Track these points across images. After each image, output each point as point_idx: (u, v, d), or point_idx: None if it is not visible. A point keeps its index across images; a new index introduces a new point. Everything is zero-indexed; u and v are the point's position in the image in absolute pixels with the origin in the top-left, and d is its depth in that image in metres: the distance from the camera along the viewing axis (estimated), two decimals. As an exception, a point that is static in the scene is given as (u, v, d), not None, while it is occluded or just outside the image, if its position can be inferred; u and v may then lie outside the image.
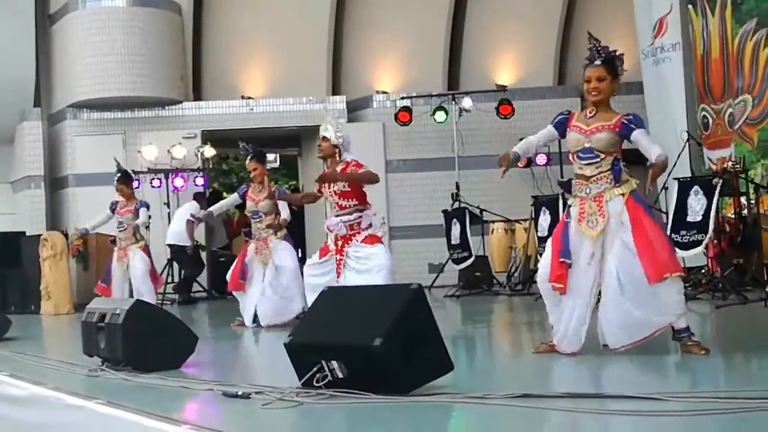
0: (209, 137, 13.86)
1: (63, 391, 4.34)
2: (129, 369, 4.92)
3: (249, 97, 14.40)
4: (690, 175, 9.95)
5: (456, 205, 11.90)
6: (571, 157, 5.00)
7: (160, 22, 13.87)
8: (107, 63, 13.38)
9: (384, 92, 14.43)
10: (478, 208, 11.88)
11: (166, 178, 13.32)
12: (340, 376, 3.84)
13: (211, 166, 14.67)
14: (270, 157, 17.71)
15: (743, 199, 9.13)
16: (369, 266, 6.38)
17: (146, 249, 9.52)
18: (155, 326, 5.10)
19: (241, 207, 16.00)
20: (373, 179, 6.70)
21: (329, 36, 14.65)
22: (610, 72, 4.87)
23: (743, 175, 8.72)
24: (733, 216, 9.15)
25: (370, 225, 6.64)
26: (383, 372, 3.76)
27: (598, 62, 4.88)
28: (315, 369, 3.88)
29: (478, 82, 14.42)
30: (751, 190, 8.90)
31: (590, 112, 4.93)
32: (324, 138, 7.03)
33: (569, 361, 4.79)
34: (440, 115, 13.33)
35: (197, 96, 14.60)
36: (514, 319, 8.46)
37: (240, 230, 15.29)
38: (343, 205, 6.63)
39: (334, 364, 3.85)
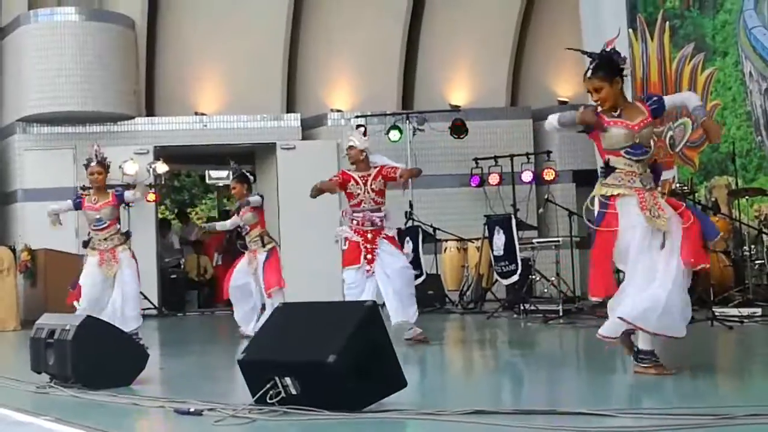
0: (162, 153, 13.75)
1: (10, 408, 4.27)
2: (78, 386, 4.85)
3: (202, 114, 14.33)
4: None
5: (409, 223, 11.95)
6: (614, 156, 4.81)
7: (113, 37, 13.76)
8: (59, 77, 13.22)
9: (339, 110, 14.46)
10: (431, 226, 11.94)
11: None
12: (294, 392, 3.83)
13: (163, 183, 14.55)
14: (222, 174, 17.65)
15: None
16: (399, 255, 7.58)
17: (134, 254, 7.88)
18: (105, 343, 5.04)
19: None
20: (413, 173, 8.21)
21: (284, 53, 14.66)
22: (606, 77, 4.82)
23: (691, 197, 8.89)
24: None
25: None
26: (337, 389, 3.76)
27: (590, 74, 4.87)
28: (268, 385, 3.87)
29: (432, 102, 14.53)
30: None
31: (614, 112, 4.83)
32: (350, 147, 7.87)
33: (521, 378, 4.83)
34: (394, 134, 13.39)
35: (150, 111, 14.49)
36: (466, 337, 8.51)
37: (214, 251, 15.34)
38: (378, 201, 7.60)
39: (288, 380, 3.84)
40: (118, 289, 7.47)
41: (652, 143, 4.87)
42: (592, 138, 4.94)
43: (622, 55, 4.98)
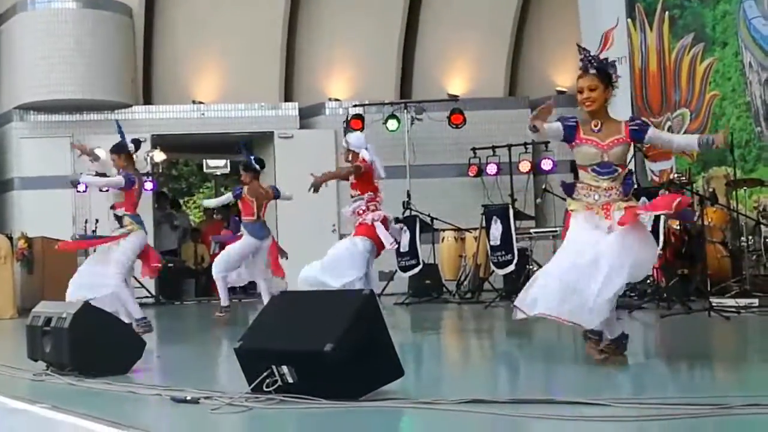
0: (159, 142, 13.73)
1: (7, 395, 4.27)
2: (75, 374, 4.84)
3: (200, 102, 14.31)
4: (636, 186, 10.11)
5: (407, 213, 11.94)
6: (582, 170, 4.91)
7: (110, 25, 13.72)
8: (56, 65, 13.19)
9: (336, 100, 14.44)
10: (428, 216, 11.93)
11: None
12: (290, 381, 3.83)
13: (160, 171, 14.52)
14: (220, 163, 17.63)
15: (688, 211, 9.31)
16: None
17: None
18: (102, 330, 5.03)
19: (212, 213, 16.05)
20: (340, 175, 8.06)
21: (282, 42, 14.63)
22: (603, 81, 4.83)
23: (689, 187, 8.89)
24: (678, 227, 9.32)
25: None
26: (333, 377, 3.76)
27: (592, 71, 4.85)
28: (265, 374, 3.86)
29: (430, 92, 14.50)
30: (696, 202, 9.07)
31: (595, 126, 4.87)
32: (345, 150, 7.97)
33: (518, 367, 4.83)
34: (392, 124, 13.37)
35: (147, 100, 14.46)
36: (463, 327, 8.51)
37: (210, 238, 15.32)
38: (351, 194, 7.76)
39: (285, 369, 3.83)
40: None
41: (623, 162, 4.89)
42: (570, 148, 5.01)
43: (617, 75, 4.99)
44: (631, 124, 4.85)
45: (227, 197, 9.43)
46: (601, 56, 4.97)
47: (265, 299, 8.70)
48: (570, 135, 4.91)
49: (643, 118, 5.00)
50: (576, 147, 4.91)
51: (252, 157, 9.55)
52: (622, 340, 4.80)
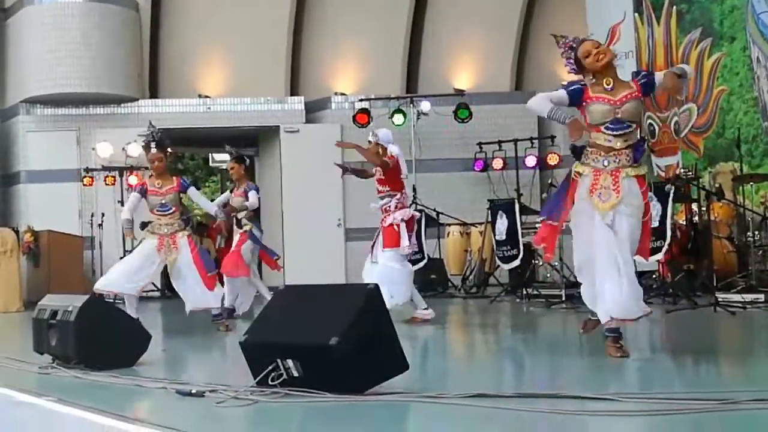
0: (165, 136, 13.72)
1: (13, 388, 4.28)
2: (80, 367, 4.85)
3: (206, 96, 14.31)
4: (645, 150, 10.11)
5: (412, 207, 11.91)
6: (594, 130, 4.86)
7: (116, 19, 13.73)
8: (62, 59, 13.20)
9: (342, 94, 14.43)
10: (434, 210, 11.92)
11: (121, 176, 13.18)
12: (296, 374, 3.83)
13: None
14: (226, 157, 17.61)
15: (694, 206, 9.29)
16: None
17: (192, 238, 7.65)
18: (108, 324, 5.04)
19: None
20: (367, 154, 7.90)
21: (288, 36, 14.63)
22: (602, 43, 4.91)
23: (695, 182, 8.86)
24: (684, 222, 9.29)
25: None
26: (339, 371, 3.76)
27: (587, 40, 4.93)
28: (270, 368, 3.87)
29: (437, 86, 14.49)
30: (703, 197, 9.06)
31: (607, 83, 4.85)
32: (369, 142, 8.02)
33: (523, 362, 4.83)
34: (398, 118, 13.36)
35: (153, 94, 14.47)
36: (468, 321, 8.51)
37: (217, 234, 15.32)
38: (380, 189, 7.80)
39: (290, 362, 3.84)
40: (186, 277, 7.38)
41: (637, 120, 4.89)
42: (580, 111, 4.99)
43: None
44: (640, 78, 4.85)
45: (226, 196, 9.27)
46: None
47: (267, 294, 8.73)
48: (576, 97, 4.89)
49: (644, 70, 4.96)
50: (587, 106, 4.87)
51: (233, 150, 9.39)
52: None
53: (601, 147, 4.82)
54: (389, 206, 7.64)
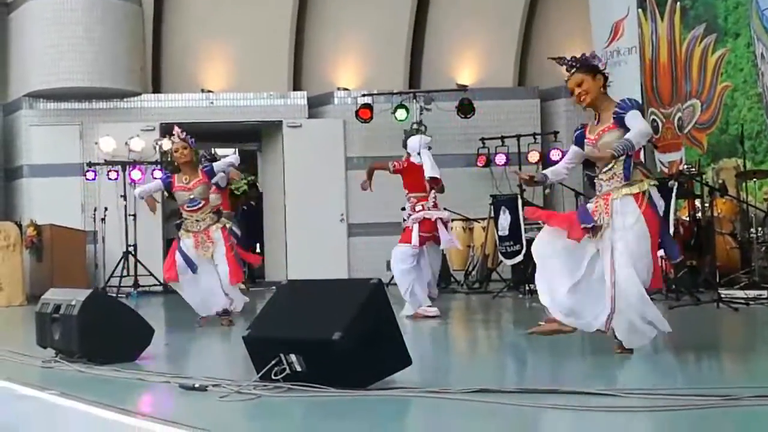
0: (168, 130, 13.72)
1: (16, 382, 4.28)
2: (83, 361, 4.86)
3: (209, 91, 14.31)
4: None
5: (434, 210, 11.90)
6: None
7: (119, 13, 13.72)
8: (65, 53, 13.20)
9: (345, 89, 14.42)
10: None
11: (124, 170, 13.18)
12: (299, 369, 3.83)
13: (169, 159, 14.52)
14: (229, 151, 17.62)
15: (697, 202, 9.28)
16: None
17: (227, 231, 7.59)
18: (111, 318, 5.04)
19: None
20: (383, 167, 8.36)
21: (291, 31, 14.61)
22: (588, 72, 4.83)
23: (699, 178, 8.85)
24: (687, 219, 9.29)
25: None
26: (341, 366, 3.76)
27: (572, 70, 4.87)
28: (273, 362, 3.87)
29: (439, 81, 14.47)
30: (706, 194, 9.05)
31: (595, 119, 4.90)
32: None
33: (526, 357, 4.83)
34: (401, 113, 13.35)
35: (156, 88, 14.47)
36: (470, 317, 8.51)
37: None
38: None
39: (293, 357, 3.84)
40: (215, 274, 7.34)
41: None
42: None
43: (602, 59, 5.00)
44: (615, 108, 4.77)
45: (157, 184, 7.83)
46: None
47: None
48: (581, 143, 4.97)
49: (632, 99, 4.80)
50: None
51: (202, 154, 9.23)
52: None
53: (600, 178, 4.86)
54: (412, 207, 8.08)
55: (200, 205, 7.37)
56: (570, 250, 4.76)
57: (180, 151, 7.46)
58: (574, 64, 4.91)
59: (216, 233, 7.37)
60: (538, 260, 4.88)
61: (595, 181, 4.95)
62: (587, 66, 4.86)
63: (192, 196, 7.35)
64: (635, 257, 4.61)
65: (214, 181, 7.74)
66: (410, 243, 7.83)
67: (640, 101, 11.75)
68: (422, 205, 7.98)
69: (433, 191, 8.04)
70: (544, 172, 5.12)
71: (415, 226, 7.88)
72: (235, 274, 7.42)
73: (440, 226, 7.96)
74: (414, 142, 8.29)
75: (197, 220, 7.35)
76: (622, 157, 4.72)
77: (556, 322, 4.78)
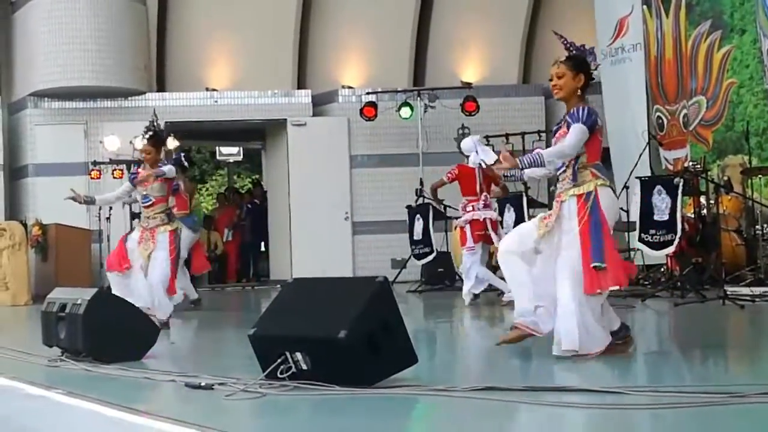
0: (172, 129, 13.70)
1: (22, 381, 4.29)
2: (89, 360, 4.87)
3: (213, 89, 14.30)
4: (650, 174, 10.08)
5: (420, 201, 11.93)
6: None
7: (124, 12, 13.72)
8: (70, 52, 13.20)
9: (350, 87, 14.41)
10: (442, 204, 11.91)
11: (128, 169, 13.17)
12: (304, 367, 3.83)
13: (173, 158, 14.53)
14: (233, 150, 17.64)
15: (703, 199, 9.26)
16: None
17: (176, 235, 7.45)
18: (116, 317, 5.04)
19: (225, 200, 16.02)
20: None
21: (295, 29, 14.60)
22: (572, 68, 4.76)
23: (704, 175, 8.84)
24: (692, 215, 9.27)
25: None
26: (347, 364, 3.76)
27: (561, 59, 4.82)
28: (279, 360, 3.87)
29: (444, 79, 14.45)
30: (711, 190, 9.03)
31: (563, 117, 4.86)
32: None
33: (532, 355, 4.83)
34: (405, 111, 13.34)
35: (161, 87, 14.47)
36: (476, 315, 8.50)
37: (224, 227, 15.36)
38: None
39: (299, 355, 3.84)
40: (150, 275, 7.14)
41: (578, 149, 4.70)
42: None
43: (596, 60, 4.95)
44: (568, 115, 4.72)
45: (124, 190, 7.72)
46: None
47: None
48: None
49: (589, 111, 4.68)
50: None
51: (182, 155, 9.22)
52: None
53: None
54: (466, 209, 8.85)
55: (152, 202, 7.30)
56: (531, 253, 4.74)
57: (144, 155, 7.51)
58: (569, 48, 4.90)
59: (161, 235, 7.24)
60: (505, 258, 4.81)
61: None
62: (575, 61, 4.80)
63: (145, 192, 7.32)
64: (575, 262, 4.57)
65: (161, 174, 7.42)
66: (466, 246, 8.74)
67: (646, 97, 11.78)
68: (473, 206, 8.74)
69: (484, 193, 8.81)
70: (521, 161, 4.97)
71: (467, 227, 8.71)
72: (171, 286, 7.27)
73: (488, 225, 8.71)
74: (468, 143, 8.83)
75: (147, 217, 7.30)
76: (572, 161, 4.68)
77: (519, 329, 4.79)
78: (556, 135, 4.85)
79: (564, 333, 4.55)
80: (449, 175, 8.98)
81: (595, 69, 4.93)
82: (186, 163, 9.14)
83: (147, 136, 7.60)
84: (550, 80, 4.86)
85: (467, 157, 8.82)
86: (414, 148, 13.50)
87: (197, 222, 9.52)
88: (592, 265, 4.54)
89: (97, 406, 3.56)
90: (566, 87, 4.77)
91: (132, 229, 7.70)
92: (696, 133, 11.26)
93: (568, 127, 4.68)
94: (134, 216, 9.70)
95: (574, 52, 4.92)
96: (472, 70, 14.91)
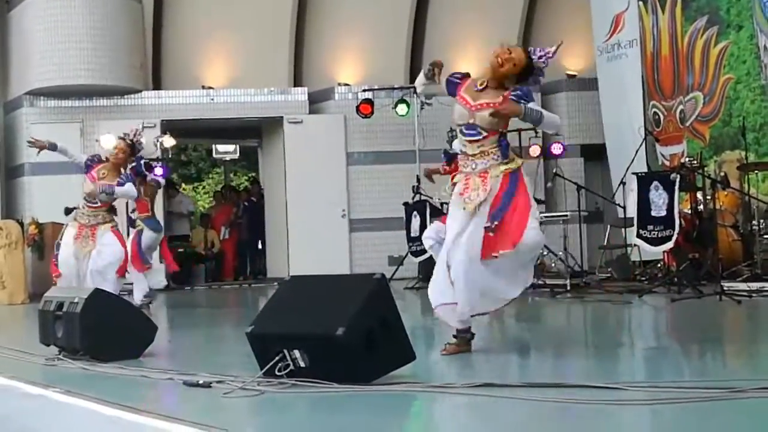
0: (169, 127, 13.73)
1: (20, 380, 4.28)
2: (87, 358, 4.86)
3: (209, 87, 14.28)
4: (647, 170, 10.09)
5: (416, 198, 11.92)
6: (456, 130, 4.87)
7: (119, 10, 13.69)
8: (65, 50, 13.18)
9: (346, 84, 14.40)
10: (438, 201, 11.91)
11: (124, 167, 13.15)
12: (302, 365, 3.83)
13: (170, 156, 14.54)
14: (229, 148, 17.63)
15: (699, 195, 9.27)
16: None
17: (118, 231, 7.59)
18: (114, 315, 5.04)
19: (222, 198, 16.02)
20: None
21: (291, 26, 14.58)
22: (526, 66, 4.73)
23: (701, 171, 8.84)
24: (689, 211, 9.28)
25: None
26: (345, 361, 3.76)
27: (526, 48, 4.80)
28: (277, 358, 3.87)
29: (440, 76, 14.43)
30: (708, 186, 9.04)
31: (480, 84, 4.77)
32: None
33: (529, 352, 4.83)
34: (402, 108, 13.33)
35: (157, 85, 14.44)
36: (473, 312, 8.47)
37: (221, 225, 15.35)
38: None
39: (296, 353, 3.84)
40: (92, 262, 7.12)
41: (495, 128, 4.71)
42: None
43: (543, 75, 4.86)
44: (512, 94, 4.66)
45: (78, 160, 7.95)
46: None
47: (138, 296, 8.82)
48: (451, 90, 4.84)
49: (527, 88, 4.70)
50: (454, 107, 4.82)
51: (142, 161, 9.20)
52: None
53: (464, 153, 4.78)
54: None
55: (98, 205, 7.33)
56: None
57: (120, 155, 7.50)
58: (543, 59, 4.81)
59: (105, 236, 7.21)
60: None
61: (459, 155, 4.83)
62: (530, 67, 4.76)
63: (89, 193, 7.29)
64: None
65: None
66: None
67: (642, 93, 11.79)
68: None
69: None
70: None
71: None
72: (122, 267, 7.25)
73: None
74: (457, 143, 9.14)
75: (89, 215, 7.28)
76: (493, 136, 4.70)
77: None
78: (479, 103, 4.70)
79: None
80: (444, 168, 9.20)
81: (535, 83, 4.85)
82: (145, 171, 9.09)
83: (128, 139, 7.57)
84: (499, 54, 4.74)
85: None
86: (411, 146, 13.49)
87: (159, 223, 9.54)
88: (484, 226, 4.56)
89: (95, 405, 3.56)
90: (519, 65, 4.72)
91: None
92: (693, 129, 11.27)
93: (516, 99, 4.63)
94: (132, 222, 9.66)
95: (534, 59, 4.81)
96: (468, 67, 14.81)
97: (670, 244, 8.38)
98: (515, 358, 4.77)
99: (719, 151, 10.92)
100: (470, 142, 4.73)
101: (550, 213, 10.97)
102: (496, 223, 4.56)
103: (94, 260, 7.17)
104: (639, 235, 8.66)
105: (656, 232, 8.38)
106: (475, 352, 4.86)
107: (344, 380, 3.70)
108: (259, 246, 15.49)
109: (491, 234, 4.56)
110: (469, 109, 4.73)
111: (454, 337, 4.80)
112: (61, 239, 7.44)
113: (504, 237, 4.58)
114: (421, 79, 4.94)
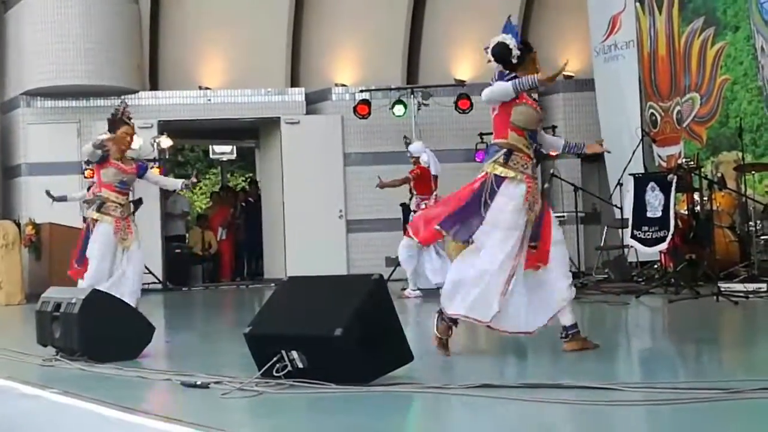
0: (165, 127, 13.72)
1: (17, 380, 4.28)
2: (84, 359, 4.86)
3: (206, 88, 14.27)
4: (643, 171, 10.10)
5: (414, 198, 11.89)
6: (518, 134, 4.76)
7: (116, 11, 13.69)
8: (62, 50, 13.16)
9: (343, 85, 14.40)
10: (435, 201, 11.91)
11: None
12: (300, 366, 3.83)
13: (167, 157, 14.53)
14: (226, 148, 17.63)
15: (696, 196, 9.28)
16: None
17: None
18: (112, 316, 5.04)
19: (219, 199, 15.97)
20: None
21: (289, 27, 14.58)
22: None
23: (698, 172, 8.85)
24: (686, 212, 9.29)
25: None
26: (343, 362, 3.76)
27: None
28: (275, 359, 3.87)
29: (437, 77, 14.44)
30: (705, 187, 9.05)
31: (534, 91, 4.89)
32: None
33: (527, 353, 4.83)
34: (399, 109, 13.32)
35: (154, 86, 14.43)
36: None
37: (218, 226, 15.33)
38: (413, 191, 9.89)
39: (294, 354, 3.84)
40: (129, 266, 6.57)
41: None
42: (497, 108, 4.81)
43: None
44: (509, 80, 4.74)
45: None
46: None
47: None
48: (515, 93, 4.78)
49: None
50: (515, 105, 4.71)
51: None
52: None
53: (526, 154, 4.74)
54: (419, 205, 9.54)
55: (128, 190, 6.83)
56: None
57: (129, 139, 6.99)
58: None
59: (134, 225, 6.71)
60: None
61: (514, 153, 4.79)
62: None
63: (125, 179, 6.77)
64: None
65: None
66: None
67: (639, 94, 11.80)
68: (426, 204, 9.24)
69: (435, 191, 9.43)
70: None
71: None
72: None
73: None
74: (418, 146, 9.87)
75: (122, 204, 6.66)
76: None
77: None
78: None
79: None
80: (413, 173, 9.72)
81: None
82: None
83: (124, 118, 7.04)
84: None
85: (418, 158, 9.79)
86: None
87: None
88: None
89: (92, 406, 3.56)
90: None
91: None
92: (690, 130, 11.28)
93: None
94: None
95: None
96: (465, 68, 14.91)
97: (664, 245, 8.39)
98: (513, 358, 4.78)
99: (716, 152, 10.93)
100: (532, 145, 4.75)
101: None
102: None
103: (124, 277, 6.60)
104: (633, 236, 8.67)
105: (651, 233, 8.39)
106: (472, 353, 4.86)
107: (342, 381, 3.70)
108: (257, 246, 15.49)
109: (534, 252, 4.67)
110: (538, 111, 4.80)
111: (564, 337, 4.73)
112: (90, 234, 6.62)
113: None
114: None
